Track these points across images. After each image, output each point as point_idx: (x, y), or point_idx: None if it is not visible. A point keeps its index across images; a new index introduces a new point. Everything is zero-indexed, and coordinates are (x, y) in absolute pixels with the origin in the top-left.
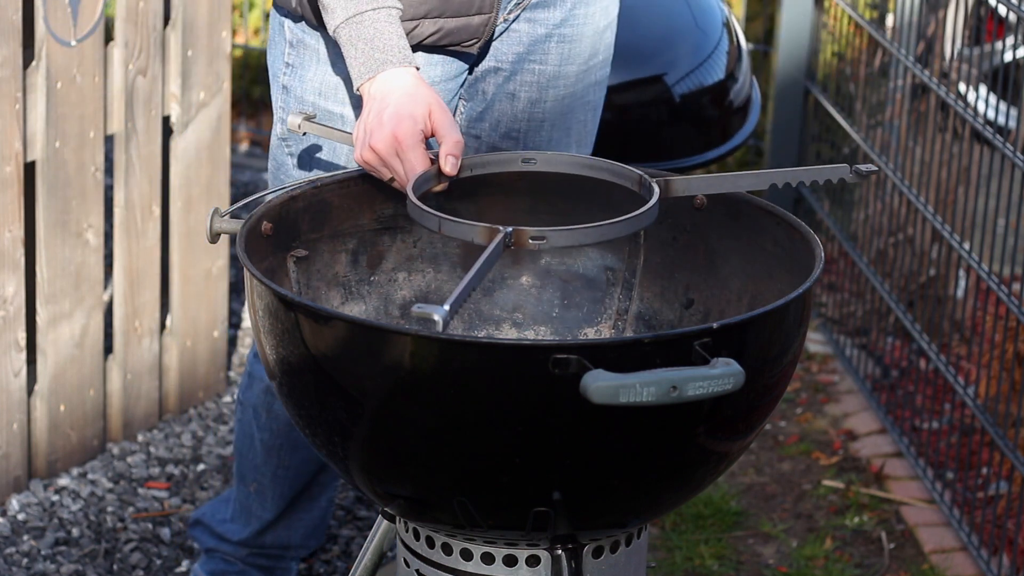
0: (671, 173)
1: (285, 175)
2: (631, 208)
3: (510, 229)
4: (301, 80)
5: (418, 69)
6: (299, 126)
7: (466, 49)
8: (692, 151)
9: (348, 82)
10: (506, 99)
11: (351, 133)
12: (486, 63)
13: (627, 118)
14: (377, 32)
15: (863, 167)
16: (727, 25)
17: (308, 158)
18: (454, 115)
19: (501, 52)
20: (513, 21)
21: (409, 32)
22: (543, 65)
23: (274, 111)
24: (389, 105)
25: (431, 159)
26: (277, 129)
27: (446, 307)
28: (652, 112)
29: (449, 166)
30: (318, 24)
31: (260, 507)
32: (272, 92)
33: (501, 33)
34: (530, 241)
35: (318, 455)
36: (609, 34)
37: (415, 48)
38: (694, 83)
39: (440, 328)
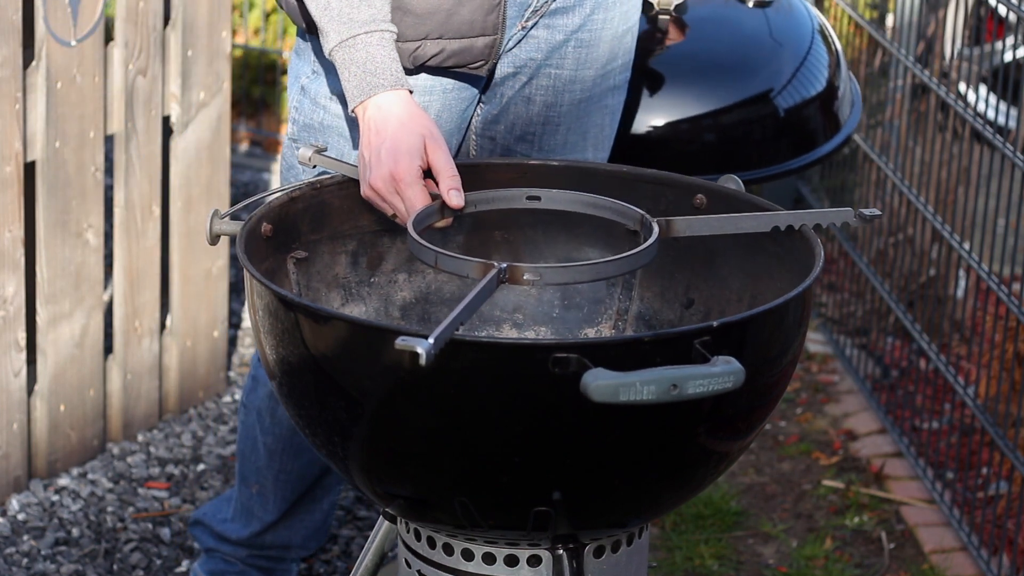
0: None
1: (294, 177)
2: (636, 242)
3: (504, 265)
4: (320, 84)
5: (411, 92)
6: (309, 158)
7: (473, 71)
8: (795, 154)
9: None
10: (522, 103)
11: (357, 167)
12: (504, 69)
13: (733, 135)
14: (370, 56)
15: (867, 211)
16: (821, 32)
17: (310, 167)
18: (471, 118)
19: (519, 58)
20: (532, 28)
21: (411, 52)
22: (560, 70)
23: (289, 112)
24: (386, 139)
25: (431, 195)
26: (289, 130)
27: (431, 340)
28: (756, 129)
29: (454, 200)
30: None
31: (262, 509)
32: (290, 94)
33: (520, 40)
34: (524, 278)
35: (320, 459)
36: (629, 39)
37: (419, 69)
38: (796, 96)
39: (424, 362)
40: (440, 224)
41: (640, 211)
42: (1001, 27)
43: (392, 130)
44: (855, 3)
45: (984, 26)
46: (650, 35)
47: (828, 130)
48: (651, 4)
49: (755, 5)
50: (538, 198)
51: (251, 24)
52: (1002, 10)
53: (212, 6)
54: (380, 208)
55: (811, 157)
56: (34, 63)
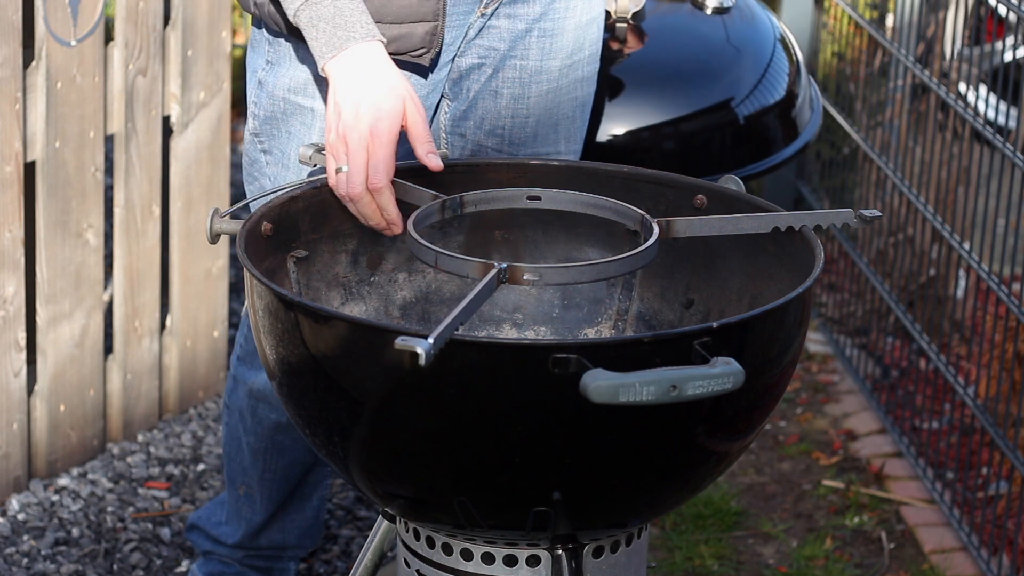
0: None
1: (259, 172)
2: (636, 242)
3: (504, 265)
4: (276, 76)
5: (384, 44)
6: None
7: (415, 59)
8: (753, 160)
9: (318, 78)
10: (489, 96)
11: None
12: (468, 60)
13: (693, 143)
14: (337, 10)
15: (867, 212)
16: (782, 41)
17: (281, 154)
18: (436, 113)
19: (483, 48)
20: (492, 16)
21: None
22: (524, 60)
23: (248, 106)
24: (367, 94)
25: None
26: (249, 125)
27: (430, 340)
28: (716, 136)
29: (433, 163)
30: (282, 30)
31: (250, 510)
32: (248, 89)
33: (480, 29)
34: (524, 278)
35: (305, 457)
36: (595, 29)
37: None
38: (756, 103)
39: (423, 362)
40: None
41: (640, 211)
42: (1001, 27)
43: (371, 85)
44: (855, 3)
45: (984, 26)
46: (608, 43)
47: (787, 137)
48: (608, 13)
49: (713, 12)
50: (539, 198)
51: (251, 24)
52: (1002, 10)
53: (212, 6)
54: (336, 162)
55: (770, 163)
56: (34, 63)
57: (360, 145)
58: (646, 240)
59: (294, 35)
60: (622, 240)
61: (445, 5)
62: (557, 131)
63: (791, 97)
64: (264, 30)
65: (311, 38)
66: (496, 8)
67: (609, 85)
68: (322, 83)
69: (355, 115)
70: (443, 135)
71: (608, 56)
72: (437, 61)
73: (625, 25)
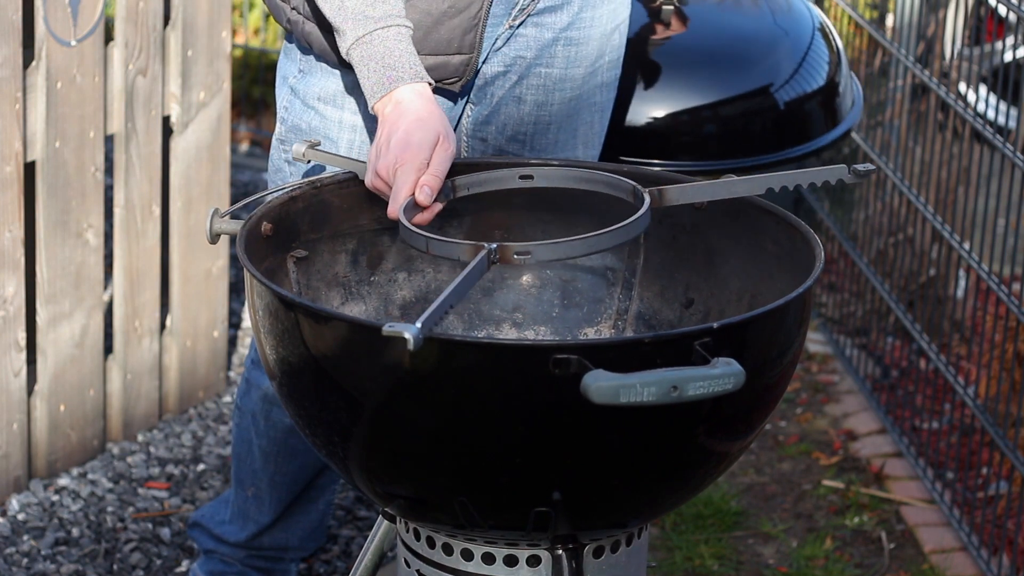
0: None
1: (282, 180)
2: (630, 216)
3: (494, 245)
4: (308, 84)
5: (431, 85)
6: (304, 154)
7: (447, 86)
8: (791, 144)
9: (349, 90)
10: (513, 103)
11: (352, 159)
12: (494, 68)
13: (733, 128)
14: (387, 50)
15: (861, 167)
16: (822, 29)
17: (304, 164)
18: (460, 118)
19: (508, 56)
20: (519, 26)
21: None
22: (549, 68)
23: (278, 111)
24: (399, 130)
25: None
26: (277, 130)
27: (418, 325)
28: (756, 121)
29: (419, 195)
30: (312, 50)
31: (258, 511)
32: (278, 94)
33: (508, 39)
34: (515, 257)
35: (316, 461)
36: (617, 36)
37: None
38: (796, 89)
39: (412, 347)
40: (424, 216)
41: (631, 182)
42: (1001, 27)
43: (407, 123)
44: (855, 3)
45: (984, 26)
46: (653, 27)
47: (827, 123)
48: None
49: None
50: (531, 176)
51: (251, 24)
52: (1002, 10)
53: (212, 6)
54: (384, 197)
55: (810, 147)
56: (34, 63)
57: (389, 177)
58: (639, 210)
59: (324, 57)
60: None
61: (481, 40)
62: (576, 136)
63: (831, 85)
64: (296, 43)
65: (363, 76)
66: (524, 19)
67: (649, 68)
68: (353, 94)
69: (386, 151)
70: (464, 139)
71: (652, 39)
72: (468, 87)
73: (671, 8)
